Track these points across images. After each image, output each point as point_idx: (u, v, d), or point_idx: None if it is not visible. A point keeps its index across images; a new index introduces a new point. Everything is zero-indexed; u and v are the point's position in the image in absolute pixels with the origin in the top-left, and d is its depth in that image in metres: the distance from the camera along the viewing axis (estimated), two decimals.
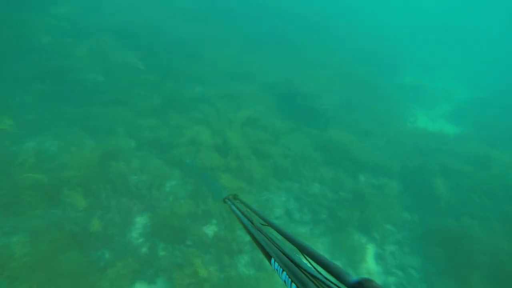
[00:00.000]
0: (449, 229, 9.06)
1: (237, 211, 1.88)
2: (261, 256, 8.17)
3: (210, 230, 8.22)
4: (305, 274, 1.12)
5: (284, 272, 1.19)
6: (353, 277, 0.97)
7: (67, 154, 8.43)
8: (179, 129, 10.49)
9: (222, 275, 7.35)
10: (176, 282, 6.84)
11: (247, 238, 8.39)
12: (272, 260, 1.34)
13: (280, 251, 1.34)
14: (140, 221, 7.99)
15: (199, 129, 10.22)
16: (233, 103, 12.16)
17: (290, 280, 1.14)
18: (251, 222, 1.69)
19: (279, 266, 1.25)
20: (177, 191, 8.72)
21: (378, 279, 9.13)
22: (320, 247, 8.96)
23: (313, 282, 1.08)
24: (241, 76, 13.87)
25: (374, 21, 22.70)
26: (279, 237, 1.46)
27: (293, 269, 1.17)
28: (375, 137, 12.45)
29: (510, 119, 14.77)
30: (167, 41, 14.07)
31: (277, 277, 7.96)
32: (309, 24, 18.55)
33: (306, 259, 1.21)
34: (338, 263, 9.15)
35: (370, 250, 9.61)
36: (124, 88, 11.41)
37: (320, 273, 1.12)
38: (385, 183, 10.71)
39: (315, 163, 10.97)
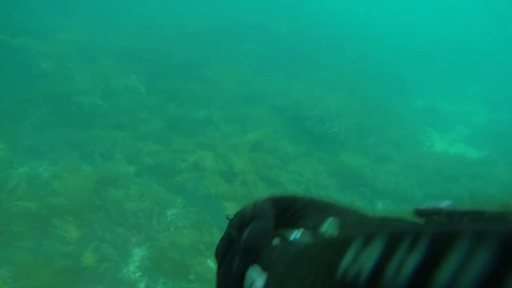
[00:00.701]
0: None
1: None
2: None
3: (215, 264, 7.64)
4: None
5: None
6: None
7: (61, 180, 8.07)
8: (182, 154, 10.13)
9: None
10: None
11: None
12: None
13: None
14: (138, 253, 7.47)
15: (203, 154, 9.85)
16: (239, 127, 11.84)
17: None
18: None
19: None
20: (179, 221, 8.23)
21: None
22: None
23: None
24: (248, 99, 13.64)
25: (385, 42, 22.71)
26: None
27: None
28: (391, 162, 11.93)
29: None
30: (172, 64, 14.03)
31: None
32: (318, 46, 18.51)
33: None
34: None
35: None
36: (124, 112, 11.21)
37: None
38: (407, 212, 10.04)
39: (329, 190, 10.44)
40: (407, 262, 0.29)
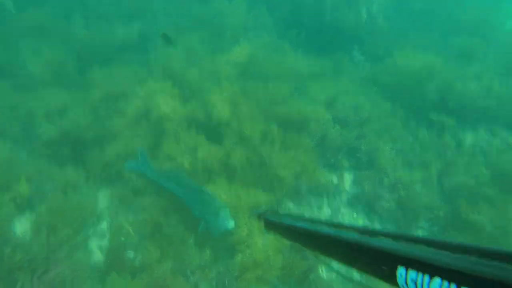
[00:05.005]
0: None
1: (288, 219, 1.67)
2: None
3: None
4: None
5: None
6: None
7: None
8: (114, 102, 6.46)
9: None
10: None
11: None
12: (402, 269, 0.86)
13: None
14: None
15: (154, 91, 6.17)
16: (211, 40, 8.07)
17: None
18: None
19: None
20: (113, 237, 4.82)
21: None
22: None
23: None
24: None
25: None
26: None
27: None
28: (477, 59, 8.63)
29: None
30: None
31: None
32: None
33: None
34: None
35: None
36: None
37: None
38: None
39: (387, 122, 7.09)
40: None
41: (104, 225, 5.14)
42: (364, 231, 1.14)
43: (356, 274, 1.14)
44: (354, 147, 6.71)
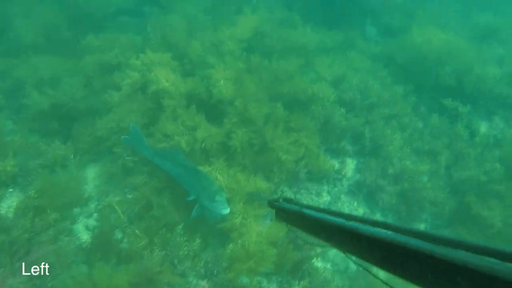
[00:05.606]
0: None
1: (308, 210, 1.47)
2: None
3: None
4: None
5: None
6: None
7: None
8: (109, 72, 6.16)
9: None
10: None
11: None
12: None
13: None
14: None
15: (152, 62, 5.86)
16: (215, 11, 7.69)
17: None
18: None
19: None
20: (101, 218, 4.66)
21: None
22: None
23: None
24: None
25: None
26: None
27: None
28: (501, 42, 8.24)
29: None
30: None
31: None
32: None
33: None
34: None
35: None
36: None
37: None
38: None
39: (396, 108, 6.76)
40: None
41: (92, 205, 4.96)
42: (410, 232, 0.96)
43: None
44: (359, 132, 6.42)
